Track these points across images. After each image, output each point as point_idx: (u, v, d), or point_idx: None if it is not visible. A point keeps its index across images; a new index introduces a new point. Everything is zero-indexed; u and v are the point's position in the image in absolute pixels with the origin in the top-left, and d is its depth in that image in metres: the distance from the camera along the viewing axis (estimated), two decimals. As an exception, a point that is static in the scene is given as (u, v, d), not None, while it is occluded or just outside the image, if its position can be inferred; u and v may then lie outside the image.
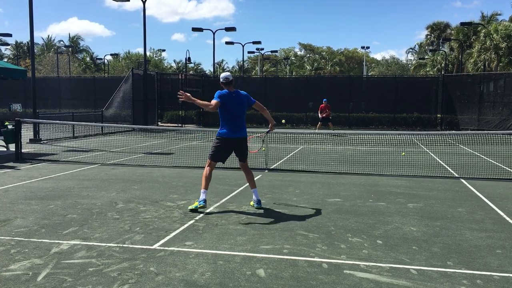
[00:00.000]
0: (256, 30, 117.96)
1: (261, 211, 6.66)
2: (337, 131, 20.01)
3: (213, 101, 6.57)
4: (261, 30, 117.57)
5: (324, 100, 21.36)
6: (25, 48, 64.19)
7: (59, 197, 7.48)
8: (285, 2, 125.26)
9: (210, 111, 6.92)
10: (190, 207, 6.63)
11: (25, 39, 67.24)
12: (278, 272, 4.32)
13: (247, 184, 8.64)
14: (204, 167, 7.04)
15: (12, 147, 12.58)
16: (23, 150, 12.41)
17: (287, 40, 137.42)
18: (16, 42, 64.29)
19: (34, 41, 18.34)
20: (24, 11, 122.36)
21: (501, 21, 43.13)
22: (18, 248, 4.92)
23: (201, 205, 6.51)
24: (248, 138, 7.06)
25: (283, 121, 12.96)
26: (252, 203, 6.91)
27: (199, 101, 6.55)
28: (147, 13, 24.05)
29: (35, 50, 57.59)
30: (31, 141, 16.53)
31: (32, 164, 11.28)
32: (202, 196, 6.57)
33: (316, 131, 19.98)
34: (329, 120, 21.53)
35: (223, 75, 6.76)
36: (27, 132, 15.76)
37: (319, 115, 21.29)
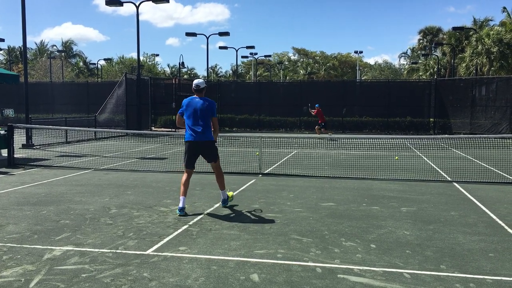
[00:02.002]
0: (251, 35, 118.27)
1: (256, 215, 6.65)
2: (328, 136, 20.07)
3: (178, 116, 6.92)
4: (255, 35, 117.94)
5: (317, 105, 21.47)
6: (18, 53, 63.88)
7: (52, 203, 7.44)
8: (280, 7, 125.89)
9: (178, 125, 7.14)
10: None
11: (18, 44, 66.98)
12: (272, 276, 4.32)
13: (241, 188, 8.68)
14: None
15: (4, 152, 12.50)
16: (15, 156, 12.33)
17: (281, 45, 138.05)
18: (9, 47, 63.99)
19: (27, 46, 18.27)
20: (17, 16, 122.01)
21: (492, 25, 43.54)
22: (10, 255, 4.88)
23: (178, 214, 6.62)
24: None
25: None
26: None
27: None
28: (142, 18, 24.11)
29: (28, 55, 57.35)
30: (24, 146, 16.43)
31: (24, 170, 11.21)
32: (180, 204, 6.66)
33: (331, 135, 20.17)
34: (323, 126, 21.61)
35: (194, 81, 6.85)
36: (19, 137, 15.67)
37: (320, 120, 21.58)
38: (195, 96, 6.83)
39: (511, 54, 37.46)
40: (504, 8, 41.47)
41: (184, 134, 6.89)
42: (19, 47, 63.54)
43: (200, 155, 6.91)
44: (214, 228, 5.97)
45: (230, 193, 7.28)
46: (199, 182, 9.25)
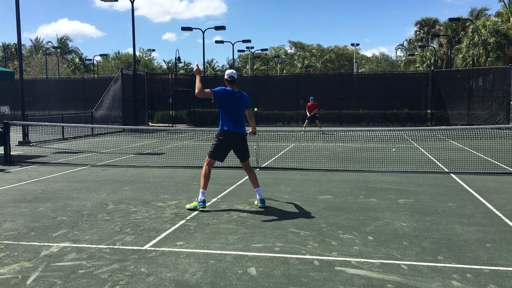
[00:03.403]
0: (247, 29, 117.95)
1: (253, 209, 6.65)
2: (326, 129, 20.06)
3: (207, 90, 6.67)
4: (252, 29, 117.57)
5: (311, 98, 21.38)
6: (13, 49, 63.58)
7: (49, 200, 7.42)
8: (276, 1, 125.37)
9: (197, 95, 6.82)
10: (187, 206, 6.65)
11: (13, 40, 66.57)
12: (269, 270, 4.32)
13: (239, 183, 8.68)
14: (201, 166, 6.94)
15: (0, 150, 12.45)
16: (12, 153, 12.30)
17: (278, 38, 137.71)
18: (4, 43, 63.70)
19: (22, 43, 18.17)
20: (12, 13, 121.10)
21: (489, 16, 43.47)
22: (7, 252, 4.87)
23: (200, 206, 6.53)
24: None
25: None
26: (256, 202, 6.84)
27: (198, 80, 6.62)
28: (138, 13, 24.03)
29: (23, 52, 57.00)
30: (20, 143, 16.38)
31: (21, 167, 11.18)
32: (201, 197, 6.57)
33: (304, 129, 20.02)
34: (317, 118, 21.54)
35: (228, 72, 6.80)
36: (16, 135, 15.61)
37: (307, 113, 21.39)
38: (229, 87, 6.70)
39: (508, 44, 37.49)
40: (501, -3, 41.40)
41: (221, 126, 6.68)
42: (14, 44, 63.27)
43: (233, 152, 6.84)
44: (211, 222, 5.96)
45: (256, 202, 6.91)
46: (197, 177, 9.23)
